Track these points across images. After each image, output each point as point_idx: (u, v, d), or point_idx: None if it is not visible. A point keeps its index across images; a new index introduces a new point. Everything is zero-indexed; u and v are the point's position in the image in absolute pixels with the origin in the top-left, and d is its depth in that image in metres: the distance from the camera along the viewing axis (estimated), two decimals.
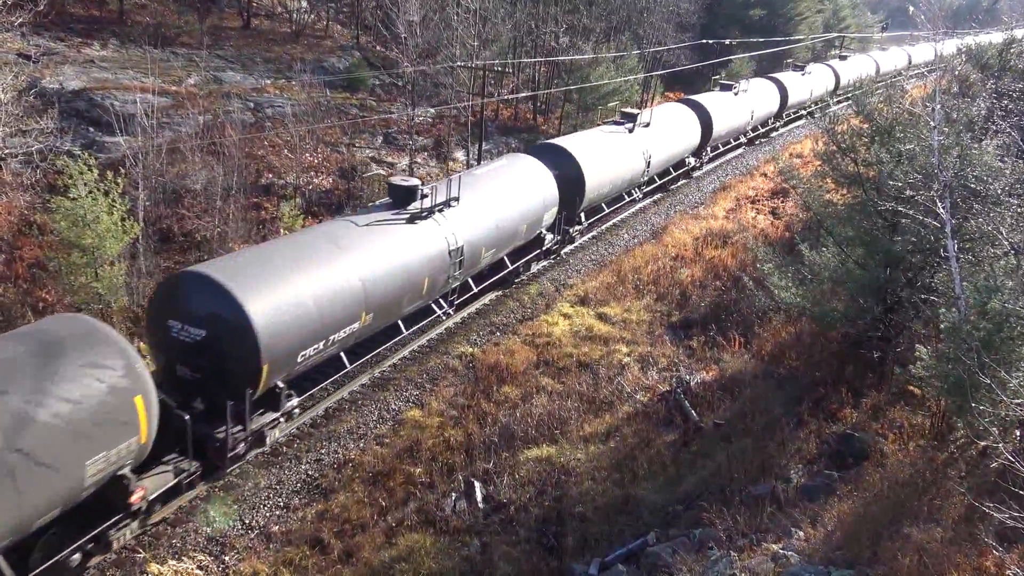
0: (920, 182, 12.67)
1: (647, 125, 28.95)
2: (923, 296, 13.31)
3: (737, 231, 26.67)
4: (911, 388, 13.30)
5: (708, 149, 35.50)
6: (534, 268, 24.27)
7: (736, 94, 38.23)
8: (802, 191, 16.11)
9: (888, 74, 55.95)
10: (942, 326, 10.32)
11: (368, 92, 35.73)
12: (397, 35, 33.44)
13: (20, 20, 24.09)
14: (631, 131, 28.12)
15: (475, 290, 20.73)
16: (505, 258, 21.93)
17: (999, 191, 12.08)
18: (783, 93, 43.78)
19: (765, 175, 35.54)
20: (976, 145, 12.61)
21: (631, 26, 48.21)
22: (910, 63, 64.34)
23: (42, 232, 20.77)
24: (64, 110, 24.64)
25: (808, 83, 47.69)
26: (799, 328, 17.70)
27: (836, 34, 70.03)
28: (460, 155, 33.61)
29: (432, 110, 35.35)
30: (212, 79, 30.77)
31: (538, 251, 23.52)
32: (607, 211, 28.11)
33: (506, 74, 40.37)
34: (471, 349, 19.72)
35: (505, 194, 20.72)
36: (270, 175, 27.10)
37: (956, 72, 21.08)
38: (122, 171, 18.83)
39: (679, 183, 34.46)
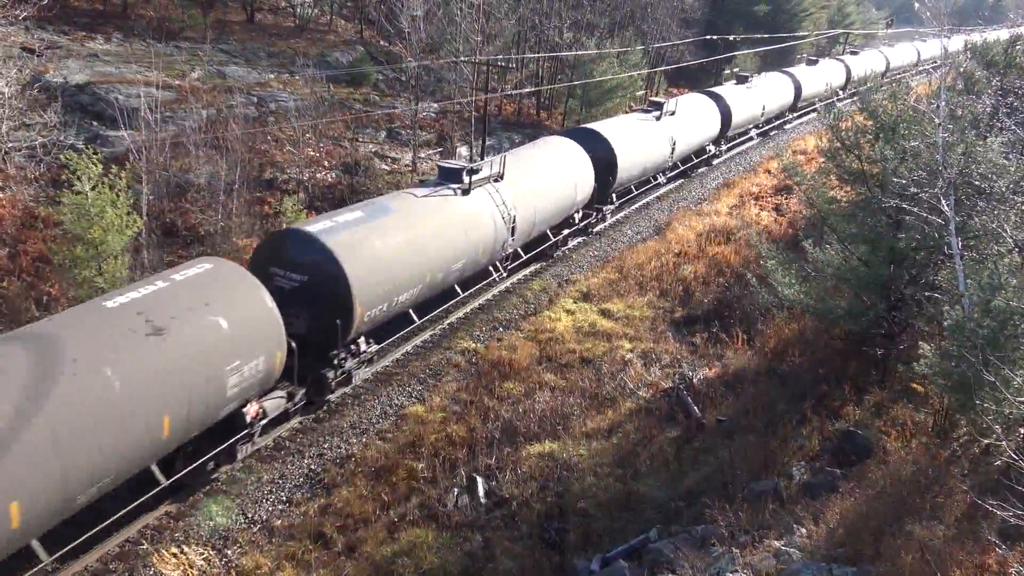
0: (924, 179, 12.63)
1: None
2: (927, 293, 13.28)
3: (740, 228, 26.63)
4: (914, 385, 13.29)
5: None
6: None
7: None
8: (806, 188, 16.06)
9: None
10: (946, 323, 10.29)
11: (372, 87, 35.71)
12: (401, 30, 33.46)
13: (24, 14, 24.10)
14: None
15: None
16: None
17: (1003, 188, 12.04)
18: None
19: (769, 171, 35.47)
20: (981, 142, 12.55)
21: (635, 21, 48.13)
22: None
23: (46, 226, 20.81)
24: (68, 104, 24.65)
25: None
26: (802, 325, 17.68)
27: (840, 31, 69.85)
28: (463, 150, 33.59)
29: (435, 105, 35.32)
30: (216, 73, 30.77)
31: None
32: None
33: (509, 69, 40.34)
34: (474, 344, 19.73)
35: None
36: (273, 170, 27.10)
37: (961, 69, 20.98)
38: (127, 165, 18.85)
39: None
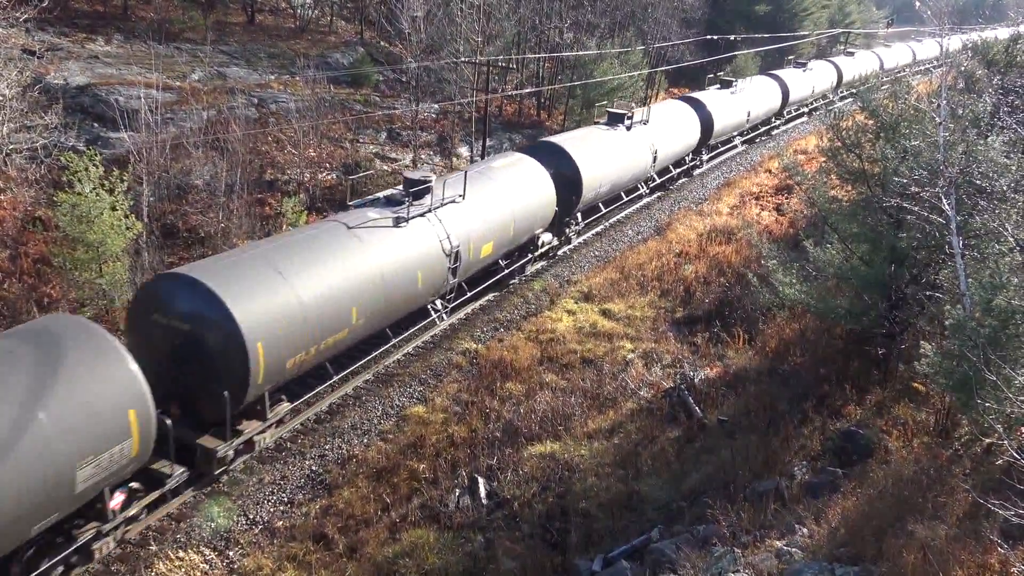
0: (925, 178, 12.61)
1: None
2: (928, 293, 13.27)
3: (741, 227, 26.60)
4: (916, 385, 13.28)
5: None
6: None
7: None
8: (807, 187, 16.05)
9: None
10: (947, 323, 10.27)
11: (372, 88, 35.74)
12: (401, 31, 33.47)
13: (25, 16, 24.11)
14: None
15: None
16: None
17: (1005, 187, 12.01)
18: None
19: (770, 171, 35.46)
20: (982, 141, 12.54)
21: (635, 22, 48.11)
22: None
23: (47, 228, 20.82)
24: (68, 105, 24.68)
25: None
26: (803, 325, 17.67)
27: (841, 30, 69.84)
28: (464, 151, 33.61)
29: (436, 106, 35.33)
30: (216, 75, 30.81)
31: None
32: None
33: (510, 70, 40.37)
34: (475, 345, 19.73)
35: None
36: (273, 171, 27.11)
37: (962, 68, 20.98)
38: (129, 167, 18.86)
39: None
